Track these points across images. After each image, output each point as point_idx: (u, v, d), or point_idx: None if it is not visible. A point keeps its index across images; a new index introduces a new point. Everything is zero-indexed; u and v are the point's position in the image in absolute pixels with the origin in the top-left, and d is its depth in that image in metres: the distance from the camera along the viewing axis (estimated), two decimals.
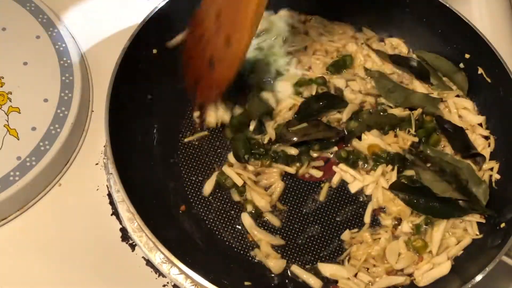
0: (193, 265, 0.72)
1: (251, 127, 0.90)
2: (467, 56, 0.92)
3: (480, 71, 0.91)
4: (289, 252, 0.83)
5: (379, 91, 0.93)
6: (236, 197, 0.86)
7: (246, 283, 0.79)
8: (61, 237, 0.83)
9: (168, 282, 0.82)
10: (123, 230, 0.85)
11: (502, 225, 0.79)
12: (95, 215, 0.86)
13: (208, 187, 0.86)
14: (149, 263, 0.82)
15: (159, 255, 0.81)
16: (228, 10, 0.81)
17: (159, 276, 0.82)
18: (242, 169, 0.87)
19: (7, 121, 0.87)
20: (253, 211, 0.84)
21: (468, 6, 1.08)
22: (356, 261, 0.81)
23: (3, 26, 0.94)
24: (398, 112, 0.91)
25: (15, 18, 0.95)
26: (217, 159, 0.89)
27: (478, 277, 0.73)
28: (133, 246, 0.84)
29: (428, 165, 0.87)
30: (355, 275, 0.80)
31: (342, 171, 0.87)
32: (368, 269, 0.81)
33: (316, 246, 0.83)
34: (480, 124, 0.91)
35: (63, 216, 0.85)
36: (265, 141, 0.89)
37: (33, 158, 0.84)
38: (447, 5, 0.92)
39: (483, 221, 0.82)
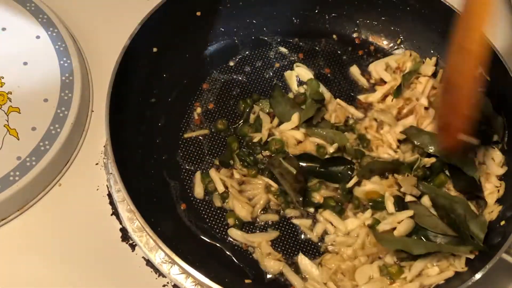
0: (195, 263, 0.72)
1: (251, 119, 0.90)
2: None
3: (480, 69, 0.91)
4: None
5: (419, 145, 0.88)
6: (217, 203, 0.85)
7: (247, 280, 0.79)
8: (61, 237, 0.83)
9: (168, 282, 0.82)
10: (123, 230, 0.84)
11: (502, 222, 0.79)
12: (95, 215, 0.86)
13: (198, 189, 0.86)
14: (149, 263, 0.82)
15: (159, 255, 0.81)
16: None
17: (159, 276, 0.82)
18: (228, 176, 0.86)
19: (7, 121, 0.87)
20: (236, 223, 0.83)
21: None
22: (327, 269, 0.80)
23: (3, 26, 0.94)
24: (407, 156, 0.88)
25: (15, 18, 0.95)
26: (215, 160, 0.89)
27: (478, 275, 0.73)
28: (133, 246, 0.84)
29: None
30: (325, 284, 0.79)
31: (326, 221, 0.84)
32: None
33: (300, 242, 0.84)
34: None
35: (63, 216, 0.85)
36: (255, 140, 0.89)
37: (33, 158, 0.84)
38: (447, 4, 0.92)
39: (472, 256, 0.79)
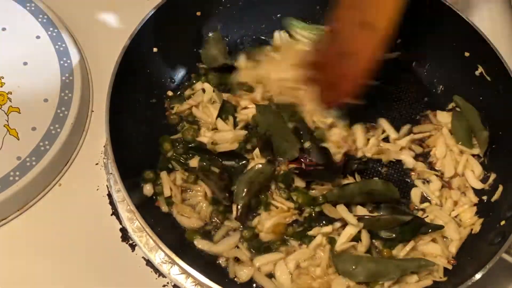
0: (194, 264, 0.72)
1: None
2: (466, 54, 0.92)
3: (480, 69, 0.91)
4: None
5: None
6: (163, 207, 0.82)
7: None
8: (61, 237, 0.83)
9: (168, 282, 0.82)
10: (123, 230, 0.84)
11: (502, 222, 0.79)
12: (95, 215, 0.86)
13: (148, 188, 0.83)
14: (149, 263, 0.82)
15: (159, 255, 0.81)
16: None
17: (159, 276, 0.82)
18: (173, 181, 0.84)
19: (7, 121, 0.87)
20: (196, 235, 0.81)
21: (468, 4, 1.08)
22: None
23: (3, 26, 0.94)
24: None
25: (15, 18, 0.95)
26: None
27: (478, 275, 0.72)
28: (133, 246, 0.84)
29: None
30: None
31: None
32: None
33: None
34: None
35: (63, 216, 0.85)
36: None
37: (33, 158, 0.84)
38: (447, 4, 0.92)
39: (450, 267, 0.80)
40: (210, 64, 0.94)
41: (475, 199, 0.87)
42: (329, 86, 0.84)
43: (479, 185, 0.88)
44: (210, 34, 0.96)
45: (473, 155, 0.90)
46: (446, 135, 0.92)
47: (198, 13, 0.95)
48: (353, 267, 0.77)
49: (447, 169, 0.89)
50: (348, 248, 0.80)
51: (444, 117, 0.94)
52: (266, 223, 0.81)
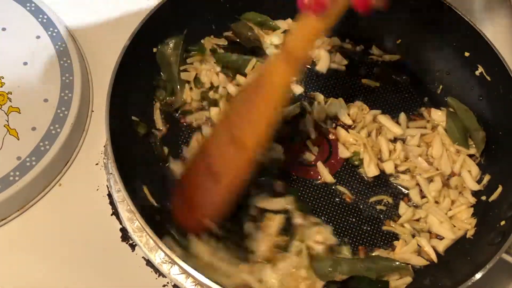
0: (194, 264, 0.72)
1: None
2: (466, 54, 0.92)
3: (480, 69, 0.91)
4: None
5: None
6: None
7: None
8: (61, 237, 0.83)
9: (168, 282, 0.82)
10: (123, 230, 0.84)
11: (502, 222, 0.79)
12: (95, 215, 0.86)
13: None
14: (149, 263, 0.82)
15: (159, 255, 0.81)
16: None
17: (159, 276, 0.82)
18: None
19: (7, 121, 0.87)
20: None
21: (468, 4, 1.08)
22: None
23: (3, 26, 0.94)
24: None
25: (15, 18, 0.95)
26: None
27: (478, 275, 0.72)
28: (133, 246, 0.84)
29: None
30: None
31: None
32: None
33: None
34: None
35: (63, 216, 0.85)
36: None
37: (33, 158, 0.84)
38: (447, 4, 0.92)
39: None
40: (164, 69, 0.92)
41: (472, 200, 0.87)
42: (190, 207, 0.79)
43: (476, 187, 0.88)
44: (171, 38, 0.92)
45: (470, 156, 0.90)
46: (442, 134, 0.92)
47: (198, 13, 0.95)
48: (330, 269, 0.78)
49: (444, 168, 0.89)
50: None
51: (438, 115, 0.94)
52: (260, 246, 0.80)
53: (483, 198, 0.86)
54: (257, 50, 0.93)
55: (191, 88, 0.92)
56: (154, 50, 0.91)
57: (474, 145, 0.90)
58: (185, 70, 0.93)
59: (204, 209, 0.77)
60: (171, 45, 0.92)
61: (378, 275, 0.78)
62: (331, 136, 0.91)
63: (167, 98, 0.91)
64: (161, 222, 0.80)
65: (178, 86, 0.91)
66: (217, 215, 0.76)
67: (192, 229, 0.77)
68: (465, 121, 0.92)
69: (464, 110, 0.93)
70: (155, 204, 0.82)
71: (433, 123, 0.94)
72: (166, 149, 0.88)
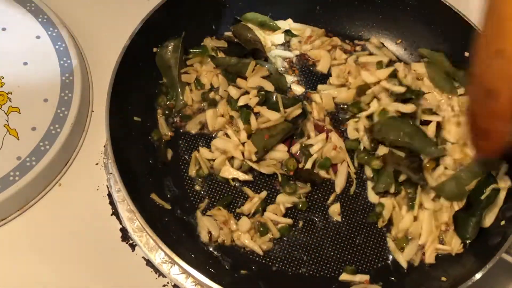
0: (194, 264, 0.72)
1: None
2: (466, 54, 0.92)
3: None
4: None
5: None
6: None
7: (242, 271, 0.80)
8: (61, 237, 0.83)
9: (168, 282, 0.82)
10: (123, 230, 0.84)
11: (502, 222, 0.79)
12: (95, 215, 0.86)
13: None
14: (149, 263, 0.82)
15: (159, 255, 0.81)
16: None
17: (159, 276, 0.82)
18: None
19: (7, 121, 0.87)
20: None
21: (468, 4, 1.08)
22: None
23: (3, 26, 0.94)
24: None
25: (15, 18, 0.95)
26: None
27: (478, 275, 0.73)
28: (133, 246, 0.84)
29: None
30: None
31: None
32: None
33: None
34: None
35: (63, 216, 0.85)
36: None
37: (33, 158, 0.84)
38: (447, 4, 0.92)
39: None
40: (163, 72, 0.92)
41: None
42: (482, 134, 0.76)
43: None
44: (170, 40, 0.92)
45: None
46: (428, 86, 0.94)
47: (198, 14, 0.95)
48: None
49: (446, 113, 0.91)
50: None
51: (419, 67, 0.95)
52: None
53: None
54: (257, 52, 0.93)
55: (191, 90, 0.92)
56: (155, 50, 0.91)
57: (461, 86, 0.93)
58: (185, 73, 0.93)
59: (497, 128, 0.73)
60: (170, 47, 0.91)
61: None
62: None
63: (168, 102, 0.91)
64: (168, 224, 0.81)
65: (179, 89, 0.91)
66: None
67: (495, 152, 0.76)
68: (443, 66, 0.93)
69: (437, 56, 0.94)
70: (168, 207, 0.83)
71: (418, 75, 0.95)
72: (170, 152, 0.88)
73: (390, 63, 0.97)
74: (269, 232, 0.83)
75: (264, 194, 0.85)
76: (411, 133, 0.86)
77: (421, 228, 0.82)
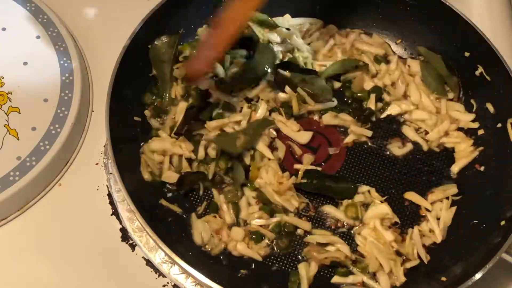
0: (194, 264, 0.72)
1: None
2: (466, 54, 0.92)
3: (480, 69, 0.91)
4: None
5: None
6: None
7: (242, 270, 0.80)
8: (61, 237, 0.83)
9: (168, 282, 0.82)
10: (123, 230, 0.84)
11: (502, 222, 0.79)
12: (95, 215, 0.86)
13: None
14: (149, 263, 0.82)
15: (159, 255, 0.81)
16: None
17: (159, 276, 0.82)
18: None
19: (7, 121, 0.87)
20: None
21: (468, 4, 1.08)
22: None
23: (3, 26, 0.94)
24: None
25: (15, 18, 0.95)
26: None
27: (478, 275, 0.73)
28: (133, 246, 0.84)
29: None
30: None
31: None
32: None
33: None
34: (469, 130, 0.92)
35: (63, 216, 0.85)
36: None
37: (33, 158, 0.84)
38: (447, 4, 0.92)
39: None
40: (155, 66, 0.91)
41: (466, 125, 0.92)
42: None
43: (469, 117, 0.92)
44: (166, 35, 0.91)
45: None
46: (419, 84, 0.95)
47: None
48: None
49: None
50: None
51: (414, 64, 0.97)
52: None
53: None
54: (250, 43, 0.94)
55: (177, 84, 0.91)
56: (149, 46, 0.90)
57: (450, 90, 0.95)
58: (177, 68, 0.92)
59: (206, 53, 0.83)
60: (166, 42, 0.91)
61: None
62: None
63: (155, 100, 0.90)
64: (168, 224, 0.81)
65: (168, 85, 0.91)
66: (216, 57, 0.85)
67: (195, 75, 0.85)
68: (437, 68, 0.94)
69: (434, 57, 0.95)
70: (179, 210, 0.83)
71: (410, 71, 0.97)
72: None
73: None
74: (264, 237, 0.82)
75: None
76: None
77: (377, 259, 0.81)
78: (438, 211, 0.85)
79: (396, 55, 0.99)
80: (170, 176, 0.84)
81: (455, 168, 0.89)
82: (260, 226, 0.83)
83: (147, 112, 0.89)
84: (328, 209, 0.85)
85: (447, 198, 0.86)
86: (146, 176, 0.84)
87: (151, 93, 0.90)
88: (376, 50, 0.98)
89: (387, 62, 0.97)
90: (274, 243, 0.82)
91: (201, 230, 0.81)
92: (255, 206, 0.84)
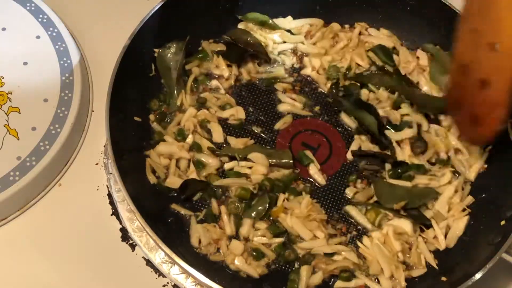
0: (194, 264, 0.72)
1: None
2: None
3: None
4: None
5: None
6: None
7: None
8: (61, 237, 0.83)
9: (168, 282, 0.82)
10: (123, 230, 0.85)
11: (502, 222, 0.79)
12: (95, 215, 0.86)
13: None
14: (149, 263, 0.82)
15: (159, 255, 0.81)
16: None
17: (159, 276, 0.82)
18: None
19: (7, 121, 0.87)
20: None
21: None
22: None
23: (3, 26, 0.94)
24: None
25: (15, 18, 0.95)
26: None
27: (478, 275, 0.72)
28: (133, 246, 0.84)
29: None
30: None
31: None
32: None
33: None
34: None
35: (63, 216, 0.85)
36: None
37: (33, 158, 0.84)
38: (447, 3, 0.93)
39: None
40: (163, 73, 0.91)
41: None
42: (473, 121, 0.77)
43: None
44: (173, 42, 0.91)
45: None
46: (428, 80, 0.95)
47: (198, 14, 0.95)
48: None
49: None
50: None
51: (423, 56, 0.97)
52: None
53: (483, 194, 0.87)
54: (259, 55, 0.94)
55: (185, 93, 0.91)
56: (156, 51, 0.90)
57: None
58: (185, 75, 0.93)
59: (487, 118, 0.75)
60: (172, 49, 0.91)
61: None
62: None
63: (162, 106, 0.90)
64: (168, 224, 0.81)
65: (176, 92, 0.91)
66: (501, 119, 0.74)
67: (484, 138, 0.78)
68: (444, 63, 0.94)
69: (443, 55, 0.95)
70: (191, 213, 0.83)
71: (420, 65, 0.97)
72: None
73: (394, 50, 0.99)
74: (265, 256, 0.80)
75: None
76: None
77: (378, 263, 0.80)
78: (451, 221, 0.85)
79: (405, 46, 0.99)
80: (174, 182, 0.83)
81: (471, 174, 0.88)
82: (262, 244, 0.81)
83: (151, 117, 0.89)
84: (350, 209, 0.85)
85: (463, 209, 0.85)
86: (152, 179, 0.83)
87: (158, 99, 0.90)
88: (385, 43, 0.98)
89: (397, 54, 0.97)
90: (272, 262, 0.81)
91: (200, 235, 0.80)
92: (262, 223, 0.82)
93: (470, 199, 0.86)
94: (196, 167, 0.85)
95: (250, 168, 0.85)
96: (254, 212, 0.82)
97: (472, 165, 0.88)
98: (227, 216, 0.82)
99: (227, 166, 0.86)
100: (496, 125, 0.74)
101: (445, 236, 0.83)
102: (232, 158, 0.86)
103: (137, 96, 0.89)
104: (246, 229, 0.81)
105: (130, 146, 0.84)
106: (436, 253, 0.83)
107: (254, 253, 0.80)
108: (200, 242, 0.80)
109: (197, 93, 0.92)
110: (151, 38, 0.89)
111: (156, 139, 0.87)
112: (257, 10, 0.99)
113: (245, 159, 0.86)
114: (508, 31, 0.68)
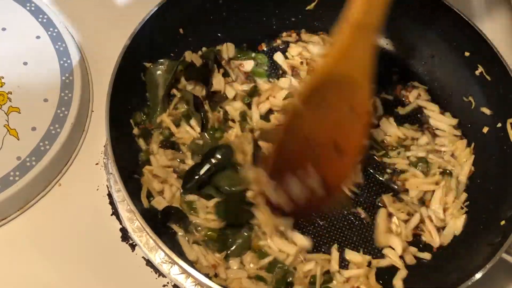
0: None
1: None
2: (466, 54, 0.92)
3: (480, 69, 0.91)
4: None
5: None
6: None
7: None
8: (61, 237, 0.83)
9: (168, 282, 0.82)
10: (123, 230, 0.85)
11: (502, 222, 0.79)
12: (95, 215, 0.86)
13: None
14: (149, 263, 0.82)
15: (159, 255, 0.81)
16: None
17: (159, 276, 0.82)
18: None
19: (7, 121, 0.87)
20: None
21: (468, 4, 1.08)
22: None
23: (3, 26, 0.94)
24: None
25: (15, 18, 0.95)
26: None
27: (478, 275, 0.73)
28: (133, 246, 0.84)
29: None
30: None
31: None
32: None
33: None
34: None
35: (63, 216, 0.85)
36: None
37: (33, 158, 0.84)
38: (447, 4, 0.92)
39: None
40: (149, 88, 0.89)
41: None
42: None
43: (451, 122, 0.93)
44: (166, 60, 0.90)
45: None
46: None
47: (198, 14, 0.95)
48: None
49: None
50: None
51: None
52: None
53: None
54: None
55: (168, 112, 0.89)
56: (148, 65, 0.89)
57: None
58: (171, 94, 0.91)
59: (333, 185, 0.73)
60: (164, 67, 0.89)
61: None
62: None
63: (145, 121, 0.88)
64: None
65: (159, 109, 0.89)
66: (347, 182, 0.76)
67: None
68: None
69: None
70: (181, 232, 0.82)
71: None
72: None
73: None
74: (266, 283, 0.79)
75: None
76: None
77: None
78: (448, 219, 0.85)
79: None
80: (160, 203, 0.81)
81: (463, 177, 0.89)
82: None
83: (135, 131, 0.86)
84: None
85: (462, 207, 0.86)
86: (146, 203, 0.80)
87: (142, 112, 0.88)
88: None
89: None
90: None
91: (197, 253, 0.78)
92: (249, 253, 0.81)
93: (464, 196, 0.87)
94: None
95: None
96: (236, 251, 0.80)
97: (462, 164, 0.89)
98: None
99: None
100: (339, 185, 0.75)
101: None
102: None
103: (137, 96, 0.88)
104: (237, 267, 0.79)
105: (130, 146, 0.84)
106: (436, 253, 0.83)
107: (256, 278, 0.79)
108: (198, 259, 0.79)
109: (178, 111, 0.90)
110: (151, 38, 0.89)
111: (144, 159, 0.85)
112: (253, 12, 0.98)
113: None
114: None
